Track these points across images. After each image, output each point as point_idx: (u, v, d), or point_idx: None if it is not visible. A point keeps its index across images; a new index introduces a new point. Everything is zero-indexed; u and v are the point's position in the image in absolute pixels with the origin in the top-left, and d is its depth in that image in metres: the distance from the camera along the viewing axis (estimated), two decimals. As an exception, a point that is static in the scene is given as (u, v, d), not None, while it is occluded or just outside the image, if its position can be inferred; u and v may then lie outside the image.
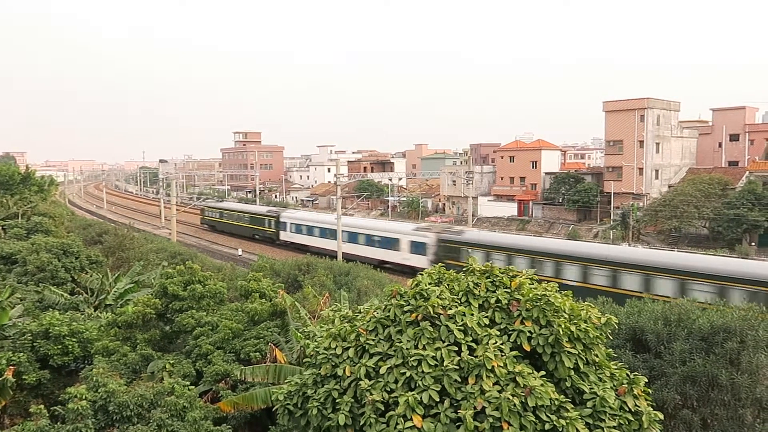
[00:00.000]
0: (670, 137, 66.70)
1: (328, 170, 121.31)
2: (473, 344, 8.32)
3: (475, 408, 7.52)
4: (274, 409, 9.35)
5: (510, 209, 77.62)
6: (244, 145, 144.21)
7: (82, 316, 19.55)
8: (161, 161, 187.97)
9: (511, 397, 7.45)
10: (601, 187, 68.34)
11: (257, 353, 14.76)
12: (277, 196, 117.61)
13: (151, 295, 17.95)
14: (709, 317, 12.98)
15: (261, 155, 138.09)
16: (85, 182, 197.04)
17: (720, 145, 69.97)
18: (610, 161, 68.16)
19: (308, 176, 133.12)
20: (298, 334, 13.79)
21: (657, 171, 65.89)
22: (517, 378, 7.77)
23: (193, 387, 12.48)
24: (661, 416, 8.23)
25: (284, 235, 56.52)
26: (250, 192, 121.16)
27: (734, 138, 69.23)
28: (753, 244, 51.51)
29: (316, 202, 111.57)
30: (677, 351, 12.50)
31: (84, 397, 11.42)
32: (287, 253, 49.31)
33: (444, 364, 8.00)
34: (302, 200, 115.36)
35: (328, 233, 50.02)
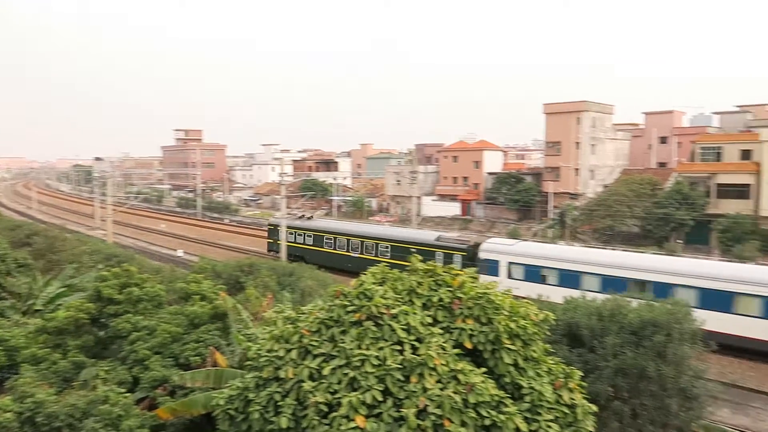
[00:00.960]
0: (604, 139, 69.42)
1: (272, 169, 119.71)
2: (416, 343, 8.42)
3: (417, 406, 7.61)
4: (214, 414, 9.15)
5: (453, 209, 78.86)
6: (185, 143, 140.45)
7: (9, 322, 18.55)
8: (96, 159, 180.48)
9: (452, 395, 7.58)
10: (541, 186, 70.40)
11: (197, 357, 14.39)
12: (220, 196, 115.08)
13: (85, 299, 17.21)
14: (639, 312, 13.62)
15: (203, 153, 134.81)
16: (13, 181, 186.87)
17: (650, 147, 73.41)
18: (549, 162, 70.29)
19: (251, 175, 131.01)
20: (240, 337, 13.56)
21: (593, 171, 68.44)
22: (458, 375, 7.92)
23: (129, 394, 12.06)
24: (595, 408, 8.57)
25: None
26: (191, 191, 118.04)
27: (663, 140, 72.77)
28: (680, 241, 54.31)
29: (260, 201, 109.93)
30: (609, 345, 13.05)
31: (9, 408, 10.84)
32: (229, 254, 48.33)
33: (387, 364, 8.05)
34: (245, 199, 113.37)
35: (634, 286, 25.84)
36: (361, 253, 40.89)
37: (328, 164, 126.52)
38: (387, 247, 39.02)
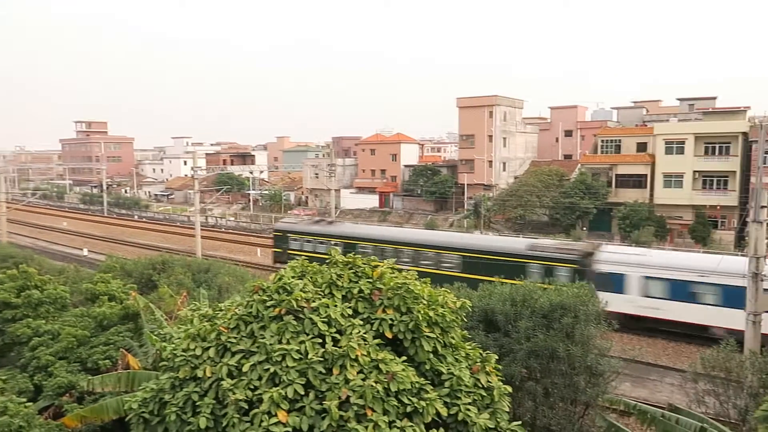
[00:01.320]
0: (515, 132, 72.30)
1: (185, 163, 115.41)
2: (337, 335, 8.43)
3: (339, 398, 7.63)
4: (127, 419, 8.75)
5: (372, 201, 79.43)
6: (88, 135, 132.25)
7: None
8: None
9: (374, 384, 7.65)
10: (456, 178, 72.34)
11: (107, 361, 13.72)
12: (128, 191, 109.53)
13: (-24, 304, 15.89)
14: (549, 296, 14.34)
15: (108, 147, 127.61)
16: None
17: (557, 140, 77.24)
18: (463, 154, 72.31)
19: (162, 169, 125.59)
20: (153, 337, 13.01)
21: (504, 163, 71.13)
22: (380, 365, 8.00)
23: (30, 404, 11.28)
24: (510, 389, 8.94)
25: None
26: (95, 187, 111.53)
27: (568, 134, 76.82)
28: (584, 228, 57.66)
29: (172, 196, 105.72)
30: (522, 329, 13.67)
31: None
32: (140, 252, 46.17)
33: (308, 357, 8.01)
34: (156, 195, 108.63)
35: None
36: (416, 267, 31.16)
37: (244, 157, 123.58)
38: (455, 260, 31.26)
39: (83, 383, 11.98)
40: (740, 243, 48.31)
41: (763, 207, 18.75)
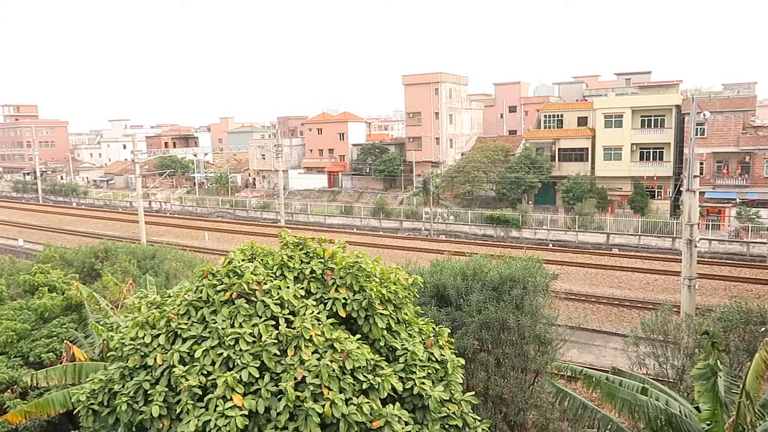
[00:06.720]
0: (461, 109, 72.94)
1: (124, 147, 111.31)
2: (290, 316, 8.38)
3: (295, 378, 7.61)
4: (75, 412, 8.48)
5: (320, 181, 78.85)
6: (17, 120, 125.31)
7: None
8: None
9: (329, 363, 7.67)
10: (404, 156, 72.58)
11: (51, 354, 13.23)
12: (64, 177, 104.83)
13: None
14: (499, 269, 14.67)
15: (40, 131, 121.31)
16: None
17: (501, 116, 78.42)
18: (410, 132, 72.50)
19: (100, 154, 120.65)
20: (99, 327, 12.61)
21: (451, 140, 71.79)
22: (334, 344, 8.02)
23: (-31, 402, 10.77)
24: (463, 361, 9.15)
25: None
26: (28, 174, 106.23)
27: (512, 109, 78.09)
28: (530, 202, 59.10)
29: (112, 181, 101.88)
30: (474, 302, 13.97)
31: None
32: (81, 240, 44.41)
33: (262, 340, 7.94)
34: (95, 180, 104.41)
35: None
36: None
37: (187, 139, 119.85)
38: None
39: (26, 378, 11.52)
40: (675, 211, 50.69)
41: (695, 176, 19.68)
